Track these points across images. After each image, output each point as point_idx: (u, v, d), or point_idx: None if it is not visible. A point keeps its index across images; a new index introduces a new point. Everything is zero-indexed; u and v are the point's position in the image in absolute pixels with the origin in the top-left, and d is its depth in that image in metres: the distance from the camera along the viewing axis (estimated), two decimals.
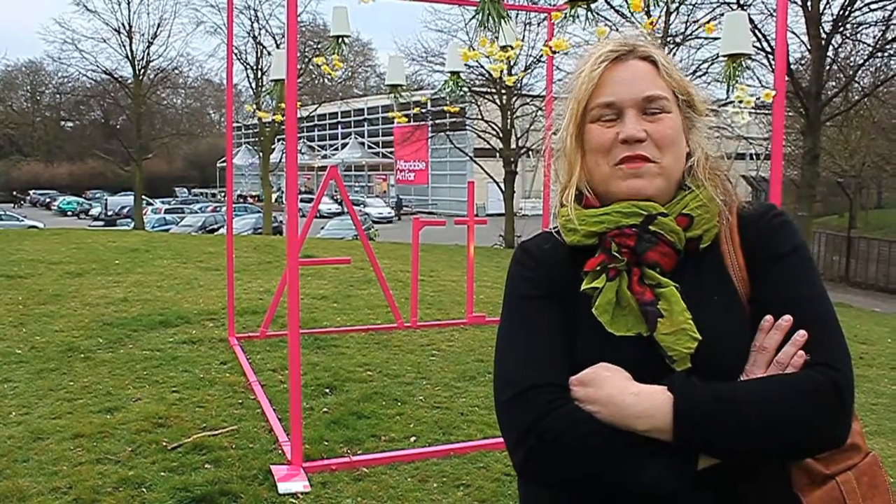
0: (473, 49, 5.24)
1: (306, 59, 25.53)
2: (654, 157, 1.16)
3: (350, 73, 40.03)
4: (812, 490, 1.14)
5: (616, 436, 1.05)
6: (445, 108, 9.46)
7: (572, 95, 1.22)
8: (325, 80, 33.42)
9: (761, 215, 1.21)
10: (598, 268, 1.17)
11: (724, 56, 4.03)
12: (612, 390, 1.07)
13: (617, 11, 19.55)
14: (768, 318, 1.11)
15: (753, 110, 4.06)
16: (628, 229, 1.15)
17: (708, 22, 18.19)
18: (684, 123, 1.21)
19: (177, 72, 36.31)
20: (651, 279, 1.14)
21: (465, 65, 6.94)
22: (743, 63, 3.96)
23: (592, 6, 4.23)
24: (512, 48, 5.17)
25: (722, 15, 17.62)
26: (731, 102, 4.05)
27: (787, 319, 1.10)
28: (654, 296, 1.13)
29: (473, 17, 3.70)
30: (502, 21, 3.73)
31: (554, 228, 1.25)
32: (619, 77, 1.18)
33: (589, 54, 1.22)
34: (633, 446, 1.04)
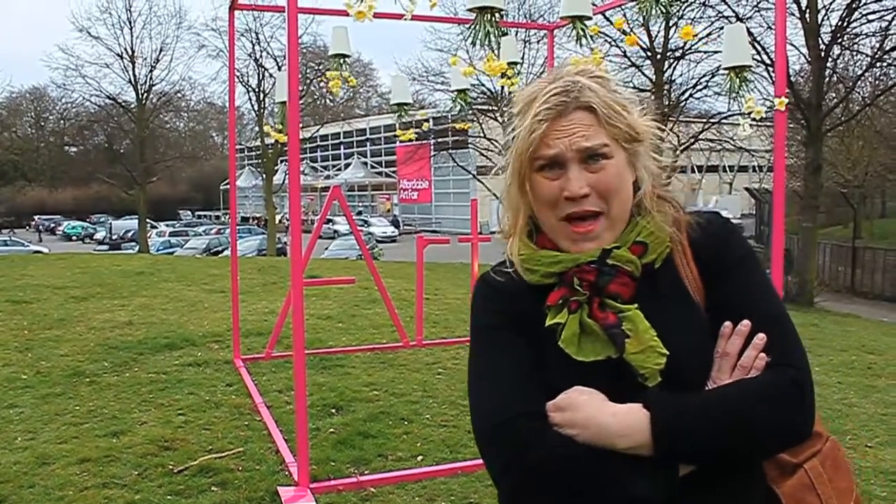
0: (473, 65, 5.26)
1: (308, 81, 25.63)
2: (599, 209, 1.18)
3: (352, 94, 40.22)
4: (784, 480, 1.19)
5: (599, 456, 1.07)
6: (455, 125, 9.48)
7: (515, 148, 1.21)
8: (328, 101, 33.58)
9: (708, 224, 1.25)
10: (559, 301, 1.19)
11: (726, 69, 4.04)
12: (590, 412, 1.09)
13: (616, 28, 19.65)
14: (727, 324, 1.16)
15: (755, 123, 4.06)
16: (587, 266, 1.18)
17: (708, 35, 18.29)
18: (629, 158, 1.21)
19: (179, 95, 36.63)
20: (612, 308, 1.17)
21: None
22: (746, 75, 3.97)
23: (589, 23, 4.26)
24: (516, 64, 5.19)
25: (721, 29, 17.72)
26: (731, 115, 4.05)
27: (745, 324, 1.15)
28: (618, 318, 1.16)
29: (469, 33, 3.70)
30: (496, 37, 3.74)
31: (511, 268, 1.25)
32: (560, 130, 1.18)
33: (532, 96, 1.20)
34: (617, 464, 1.07)
